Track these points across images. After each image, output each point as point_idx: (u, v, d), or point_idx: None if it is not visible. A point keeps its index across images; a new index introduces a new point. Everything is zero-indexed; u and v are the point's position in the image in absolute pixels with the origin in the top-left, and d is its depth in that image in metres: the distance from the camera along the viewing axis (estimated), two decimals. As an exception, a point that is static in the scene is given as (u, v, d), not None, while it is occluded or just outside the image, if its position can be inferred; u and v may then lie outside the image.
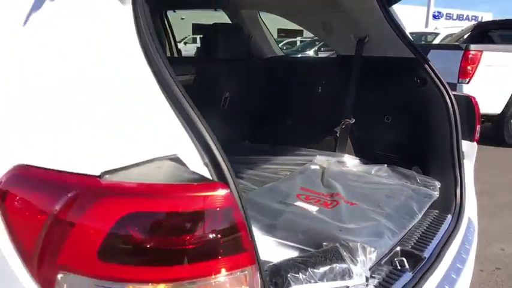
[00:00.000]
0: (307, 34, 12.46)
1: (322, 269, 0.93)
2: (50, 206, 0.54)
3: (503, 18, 6.67)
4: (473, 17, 27.96)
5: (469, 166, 1.50)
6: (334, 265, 0.95)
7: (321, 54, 9.63)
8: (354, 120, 1.81)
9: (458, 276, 1.14)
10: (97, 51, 0.68)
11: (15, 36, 0.73)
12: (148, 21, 0.70)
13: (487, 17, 25.32)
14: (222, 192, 0.55)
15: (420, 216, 1.32)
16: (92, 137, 0.60)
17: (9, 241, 0.57)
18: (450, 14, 29.84)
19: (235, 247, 0.57)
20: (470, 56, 4.49)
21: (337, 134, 1.87)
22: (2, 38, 0.74)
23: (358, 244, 1.03)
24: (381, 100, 1.72)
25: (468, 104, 1.51)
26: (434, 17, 22.45)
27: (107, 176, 0.53)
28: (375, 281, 1.02)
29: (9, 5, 0.78)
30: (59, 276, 0.53)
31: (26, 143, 0.62)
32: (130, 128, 0.62)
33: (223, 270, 0.55)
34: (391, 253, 1.15)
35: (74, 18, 0.71)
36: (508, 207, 2.84)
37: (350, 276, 0.95)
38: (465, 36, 6.52)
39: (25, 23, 0.71)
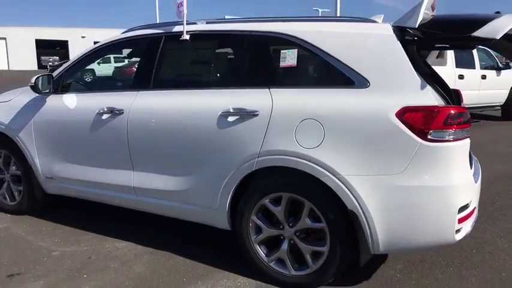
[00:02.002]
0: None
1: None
2: (428, 114, 2.04)
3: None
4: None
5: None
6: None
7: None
8: None
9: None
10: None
11: None
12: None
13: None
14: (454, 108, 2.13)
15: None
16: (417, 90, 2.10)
17: (403, 125, 2.05)
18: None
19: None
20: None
21: None
22: None
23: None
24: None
25: (457, 93, 3.24)
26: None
27: (437, 104, 2.05)
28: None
29: None
30: (431, 132, 2.03)
31: (405, 96, 2.09)
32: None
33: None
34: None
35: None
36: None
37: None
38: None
39: None
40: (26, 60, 42.09)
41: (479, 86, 8.76)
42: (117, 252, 2.94)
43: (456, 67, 8.27)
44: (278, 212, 2.40)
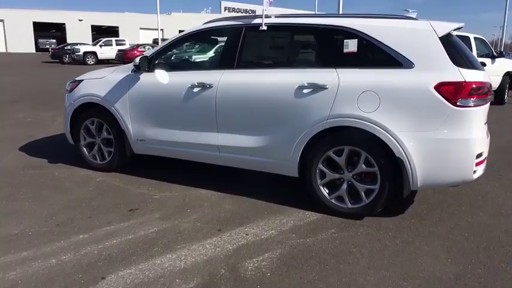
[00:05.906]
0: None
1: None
2: (457, 87, 2.87)
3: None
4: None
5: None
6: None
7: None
8: None
9: None
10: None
11: None
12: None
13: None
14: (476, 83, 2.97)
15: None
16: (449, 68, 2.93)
17: (439, 95, 2.88)
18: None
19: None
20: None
21: None
22: None
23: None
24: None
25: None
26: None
27: (464, 80, 2.88)
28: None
29: None
30: (459, 100, 2.86)
31: (441, 74, 2.90)
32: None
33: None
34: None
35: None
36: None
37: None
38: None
39: None
40: (24, 42, 42.09)
41: (476, 72, 9.62)
42: (204, 196, 3.77)
43: (457, 55, 9.09)
44: (340, 160, 3.23)
